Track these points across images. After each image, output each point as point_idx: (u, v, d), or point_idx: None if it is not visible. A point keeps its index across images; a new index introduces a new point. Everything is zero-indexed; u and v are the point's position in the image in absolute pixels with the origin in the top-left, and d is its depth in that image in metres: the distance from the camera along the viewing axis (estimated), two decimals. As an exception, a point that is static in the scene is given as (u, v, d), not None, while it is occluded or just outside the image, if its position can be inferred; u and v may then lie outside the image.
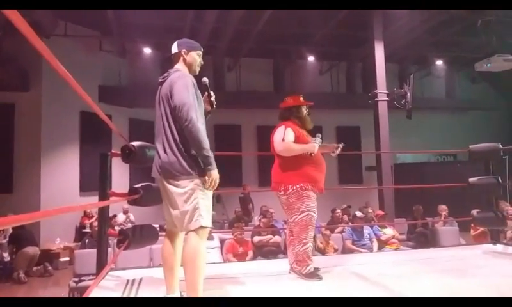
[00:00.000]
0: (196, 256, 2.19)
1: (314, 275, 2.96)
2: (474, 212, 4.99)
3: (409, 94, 7.53)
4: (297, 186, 3.00)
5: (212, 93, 2.59)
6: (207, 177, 2.24)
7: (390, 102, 7.99)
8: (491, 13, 8.16)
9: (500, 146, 4.44)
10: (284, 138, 3.08)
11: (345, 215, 7.58)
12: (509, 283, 2.87)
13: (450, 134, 12.66)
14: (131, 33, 9.88)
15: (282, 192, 3.07)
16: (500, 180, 4.36)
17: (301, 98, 3.29)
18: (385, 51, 8.24)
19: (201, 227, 2.22)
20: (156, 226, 2.96)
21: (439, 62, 12.20)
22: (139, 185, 2.91)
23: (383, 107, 7.92)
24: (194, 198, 2.22)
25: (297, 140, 3.09)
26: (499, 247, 4.24)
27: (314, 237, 5.71)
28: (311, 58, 11.50)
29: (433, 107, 13.13)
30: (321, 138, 3.18)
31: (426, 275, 3.16)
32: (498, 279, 2.96)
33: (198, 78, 2.48)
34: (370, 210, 7.41)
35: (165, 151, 2.27)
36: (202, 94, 2.47)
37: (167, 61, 2.62)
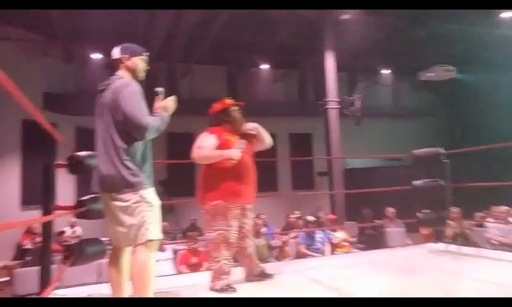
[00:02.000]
0: (144, 271, 2.13)
1: (227, 289, 2.85)
2: (420, 213, 5.25)
3: (358, 102, 7.85)
4: (214, 203, 2.87)
5: (172, 97, 2.47)
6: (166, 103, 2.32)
7: (340, 109, 8.28)
8: (433, 25, 8.73)
9: (442, 150, 4.72)
10: (201, 145, 2.92)
11: (300, 221, 7.71)
12: (449, 278, 3.06)
13: (397, 140, 13.28)
14: (78, 38, 9.51)
15: (202, 207, 2.97)
16: (441, 182, 4.63)
17: (227, 100, 3.14)
18: (336, 60, 8.53)
19: (150, 240, 2.15)
20: (105, 239, 2.84)
21: (386, 72, 12.82)
22: (86, 198, 2.79)
23: (333, 115, 8.18)
24: (140, 211, 2.14)
25: (221, 147, 2.91)
26: (441, 245, 4.50)
27: (271, 245, 5.81)
28: (264, 66, 11.67)
29: (380, 114, 13.73)
30: (244, 144, 3.01)
31: (375, 275, 3.29)
32: (440, 276, 3.15)
33: (150, 86, 2.41)
34: (322, 215, 7.59)
35: (106, 164, 2.17)
36: (153, 103, 2.39)
37: (109, 67, 2.51)
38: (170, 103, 2.38)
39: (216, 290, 2.90)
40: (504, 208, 6.16)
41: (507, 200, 6.83)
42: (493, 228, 5.68)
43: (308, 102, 12.64)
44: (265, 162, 4.03)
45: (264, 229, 6.33)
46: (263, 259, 5.40)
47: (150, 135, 2.19)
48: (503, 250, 4.91)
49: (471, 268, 3.40)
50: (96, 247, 2.88)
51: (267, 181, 12.34)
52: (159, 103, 2.37)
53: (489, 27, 9.10)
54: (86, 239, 2.97)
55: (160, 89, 2.45)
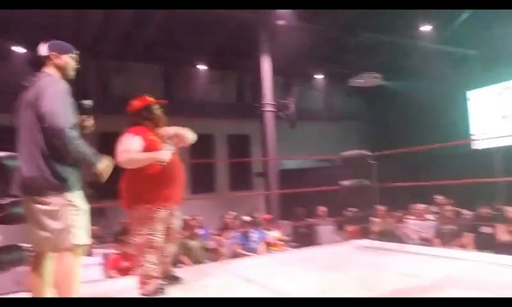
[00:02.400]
0: (69, 277, 2.06)
1: (155, 291, 2.79)
2: (347, 212, 5.56)
3: (292, 105, 8.12)
4: (141, 207, 2.77)
5: (90, 118, 2.37)
6: (98, 172, 2.16)
7: (275, 112, 8.50)
8: (362, 35, 9.29)
9: (368, 152, 5.06)
10: (127, 148, 2.74)
11: (236, 221, 7.78)
12: (371, 272, 3.30)
13: (330, 142, 13.90)
14: (-1, 30, 8.76)
15: (129, 212, 2.87)
16: (367, 182, 4.96)
17: (148, 98, 3.01)
18: (272, 64, 8.74)
19: (76, 245, 2.08)
20: (25, 245, 2.67)
21: (318, 76, 13.37)
22: (6, 201, 2.61)
23: (269, 117, 8.37)
24: (65, 215, 2.06)
25: (148, 149, 2.78)
26: (366, 242, 4.83)
27: (206, 246, 5.80)
28: (202, 67, 11.60)
29: (314, 117, 14.27)
30: (174, 146, 2.92)
31: (306, 272, 3.45)
32: (364, 270, 3.38)
33: (80, 84, 2.32)
34: (257, 214, 7.73)
35: (28, 165, 2.05)
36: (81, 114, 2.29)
37: (33, 63, 2.38)
38: (105, 168, 2.23)
39: (144, 295, 2.83)
40: (422, 206, 6.73)
41: (426, 199, 7.48)
42: (412, 224, 6.17)
43: (245, 103, 12.79)
44: (202, 164, 4.04)
45: (199, 231, 6.31)
46: (198, 261, 5.40)
47: (68, 144, 2.01)
48: (421, 244, 5.38)
49: (392, 262, 3.69)
50: (14, 254, 2.70)
51: (204, 183, 12.34)
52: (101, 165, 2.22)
53: (411, 39, 9.90)
54: (4, 246, 2.78)
55: (87, 103, 2.33)
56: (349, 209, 5.17)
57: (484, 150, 10.49)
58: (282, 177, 11.92)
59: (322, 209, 7.78)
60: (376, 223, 6.46)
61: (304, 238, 7.18)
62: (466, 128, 11.82)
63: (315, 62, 12.34)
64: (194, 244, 5.57)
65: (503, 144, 9.72)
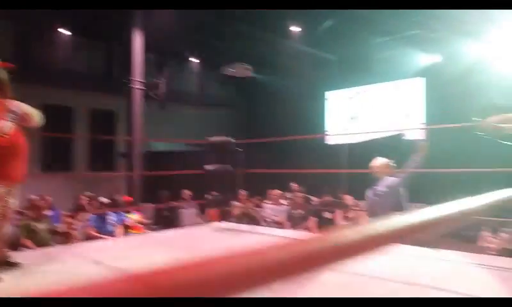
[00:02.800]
0: None
1: None
2: (208, 195, 5.71)
3: (163, 85, 7.90)
4: None
5: None
6: None
7: (145, 91, 8.16)
8: (237, 24, 9.52)
9: (232, 140, 5.25)
10: None
11: (93, 202, 7.29)
12: (224, 251, 3.45)
13: (201, 126, 13.99)
14: None
15: None
16: (230, 168, 5.15)
17: None
18: (146, 40, 8.33)
19: None
20: None
21: (194, 60, 13.27)
22: None
23: (137, 95, 8.00)
24: None
25: None
26: (224, 224, 5.04)
27: (55, 228, 5.29)
28: (63, 30, 10.39)
29: (186, 100, 14.17)
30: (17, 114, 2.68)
31: (160, 253, 3.43)
32: (219, 251, 3.51)
33: None
34: (118, 196, 7.37)
35: None
36: None
37: None
38: None
39: None
40: (278, 191, 7.29)
41: (284, 185, 8.15)
42: (268, 209, 6.66)
43: (113, 77, 11.95)
44: (58, 139, 3.68)
45: (47, 212, 5.73)
46: (44, 244, 4.90)
47: None
48: (275, 227, 5.86)
49: (243, 242, 3.92)
50: None
51: (60, 160, 11.18)
52: None
53: (281, 37, 10.55)
54: None
55: None
56: (212, 193, 5.31)
57: (334, 146, 11.88)
58: (149, 159, 11.59)
59: (187, 192, 7.82)
60: (237, 207, 6.79)
61: (166, 221, 7.13)
62: (322, 124, 13.20)
63: (190, 45, 12.20)
64: (40, 226, 5.04)
65: (348, 142, 11.13)
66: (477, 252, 3.77)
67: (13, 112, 2.69)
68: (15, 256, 2.97)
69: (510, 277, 2.66)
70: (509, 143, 2.70)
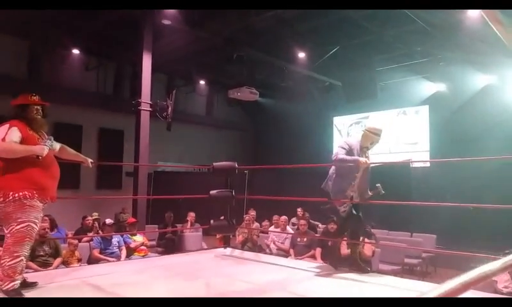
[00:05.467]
0: None
1: (16, 292, 2.69)
2: (213, 220, 5.69)
3: (170, 108, 7.97)
4: (20, 194, 2.71)
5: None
6: None
7: (152, 112, 8.25)
8: (245, 49, 9.65)
9: (236, 165, 5.26)
10: (6, 138, 2.75)
11: (98, 223, 7.31)
12: (225, 281, 3.42)
13: (208, 148, 14.06)
14: None
15: (1, 200, 2.71)
16: (233, 193, 5.14)
17: (34, 98, 3.00)
18: (155, 61, 8.45)
19: None
20: None
21: (202, 82, 13.43)
22: None
23: (145, 117, 8.07)
24: None
25: (25, 141, 2.81)
26: (228, 250, 5.00)
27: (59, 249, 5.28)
28: (76, 51, 10.60)
29: (194, 122, 14.29)
30: (52, 140, 2.99)
31: (161, 280, 3.42)
32: (219, 279, 3.49)
33: None
34: (122, 218, 7.40)
35: None
36: None
37: None
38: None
39: (3, 290, 2.64)
40: (283, 217, 7.23)
41: (290, 210, 8.09)
42: (273, 235, 6.59)
43: (123, 97, 12.11)
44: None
45: (52, 233, 5.75)
46: (47, 266, 4.90)
47: None
48: (279, 255, 5.79)
49: (245, 271, 3.87)
50: None
51: (67, 177, 11.22)
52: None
53: (288, 62, 10.65)
54: None
55: None
56: (217, 218, 5.29)
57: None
58: (155, 179, 11.63)
59: (191, 215, 7.80)
60: (240, 232, 6.75)
61: (170, 243, 7.10)
62: (331, 148, 13.20)
63: (199, 68, 12.37)
64: (43, 247, 5.04)
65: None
66: None
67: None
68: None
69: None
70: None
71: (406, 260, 6.48)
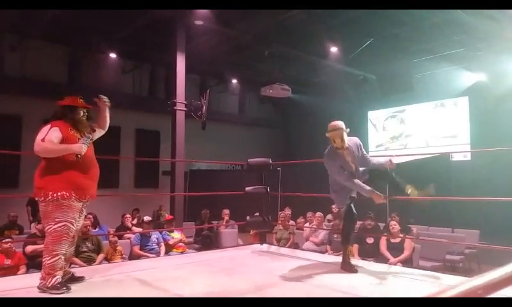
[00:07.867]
0: None
1: (61, 286, 2.81)
2: (248, 216, 5.73)
3: (204, 107, 8.10)
4: (58, 194, 2.81)
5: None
6: None
7: (187, 111, 8.40)
8: (276, 46, 9.64)
9: (270, 161, 5.27)
10: (46, 138, 2.85)
11: (137, 220, 7.55)
12: (264, 277, 3.44)
13: (242, 145, 14.18)
14: None
15: (42, 199, 2.83)
16: (268, 189, 5.15)
17: (80, 100, 3.12)
18: (188, 62, 8.61)
19: None
20: None
21: (234, 81, 13.54)
22: None
23: (180, 116, 8.24)
24: None
25: (66, 141, 2.90)
26: (265, 246, 5.02)
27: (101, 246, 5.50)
28: (113, 55, 10.97)
29: (227, 120, 14.44)
30: (91, 138, 3.07)
31: (201, 275, 3.48)
32: (257, 275, 3.51)
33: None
34: (160, 215, 7.60)
35: None
36: None
37: None
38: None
39: (47, 288, 2.77)
40: (319, 214, 7.17)
41: (323, 206, 8.00)
42: (308, 232, 6.54)
43: (158, 98, 12.42)
44: (106, 157, 3.93)
45: (95, 230, 5.99)
46: (91, 261, 5.11)
47: None
48: (315, 251, 5.75)
49: (283, 267, 3.87)
50: None
51: (107, 177, 11.67)
52: None
53: (320, 57, 10.54)
54: None
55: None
56: (253, 214, 5.33)
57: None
58: (191, 177, 11.85)
59: (226, 212, 7.89)
60: (276, 229, 6.75)
61: (206, 240, 7.21)
62: (366, 144, 12.92)
63: (231, 67, 12.46)
64: (86, 244, 5.26)
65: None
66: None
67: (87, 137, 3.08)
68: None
69: None
70: None
71: (448, 257, 6.27)
